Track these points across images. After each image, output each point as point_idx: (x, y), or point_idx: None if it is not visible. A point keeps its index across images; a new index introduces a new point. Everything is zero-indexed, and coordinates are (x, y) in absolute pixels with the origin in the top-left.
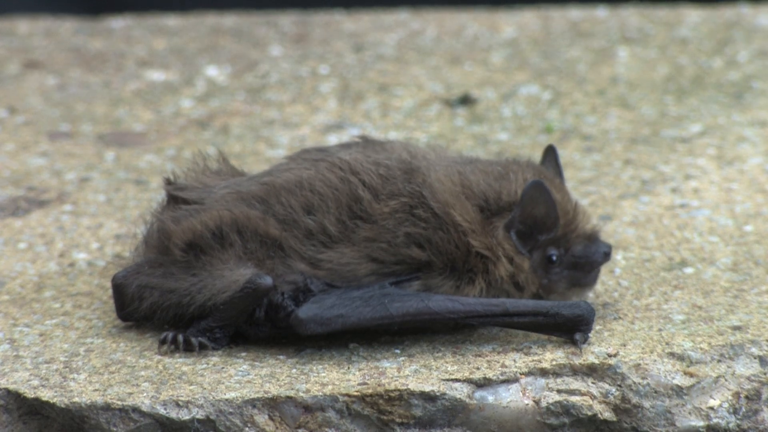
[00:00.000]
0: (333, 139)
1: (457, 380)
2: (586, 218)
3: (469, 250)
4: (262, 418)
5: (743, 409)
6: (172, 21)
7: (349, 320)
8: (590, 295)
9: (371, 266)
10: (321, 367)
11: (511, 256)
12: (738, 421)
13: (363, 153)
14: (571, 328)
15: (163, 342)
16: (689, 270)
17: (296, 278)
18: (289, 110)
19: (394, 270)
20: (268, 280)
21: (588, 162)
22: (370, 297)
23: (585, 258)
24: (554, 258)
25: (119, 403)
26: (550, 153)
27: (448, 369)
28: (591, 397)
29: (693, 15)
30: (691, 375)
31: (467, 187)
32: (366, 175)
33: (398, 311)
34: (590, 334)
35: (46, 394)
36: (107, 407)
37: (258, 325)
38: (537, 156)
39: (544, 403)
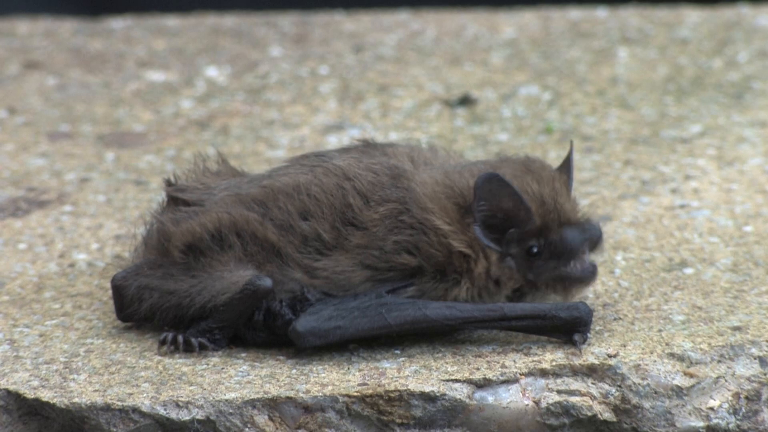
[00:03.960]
0: (333, 140)
1: (457, 381)
2: (571, 206)
3: (451, 251)
4: (262, 419)
5: (743, 410)
6: (172, 21)
7: (348, 332)
8: (590, 296)
9: (365, 273)
10: (321, 367)
11: (484, 251)
12: (738, 422)
13: (358, 158)
14: (570, 330)
15: (162, 342)
16: (689, 270)
17: (294, 287)
18: (289, 111)
19: (388, 276)
20: (267, 282)
21: (588, 162)
22: (367, 307)
23: (562, 245)
24: (535, 250)
25: (119, 403)
26: (571, 149)
27: (448, 369)
28: (591, 398)
29: (693, 15)
30: (691, 375)
31: (449, 187)
32: (358, 181)
33: (396, 321)
34: (590, 335)
35: (46, 395)
36: (107, 408)
37: (256, 329)
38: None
39: (544, 404)
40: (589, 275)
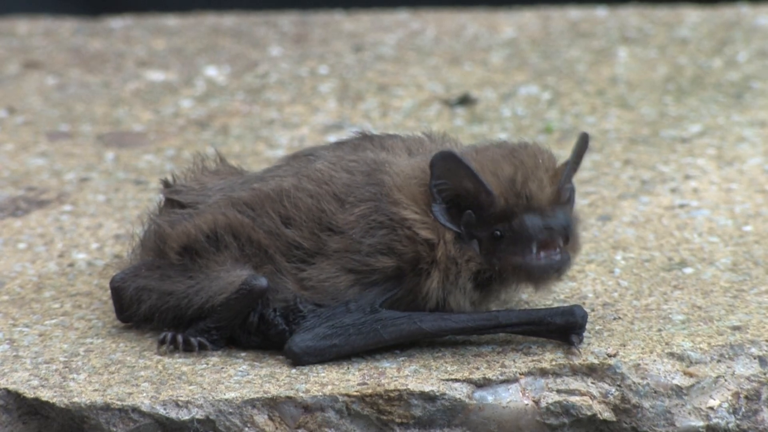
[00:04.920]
0: (332, 140)
1: (456, 380)
2: (546, 194)
3: (417, 241)
4: (261, 418)
5: (743, 409)
6: (171, 21)
7: (344, 350)
8: (589, 296)
9: (350, 278)
10: (320, 367)
11: (445, 233)
12: (738, 422)
13: (341, 157)
14: (566, 333)
15: (162, 342)
16: (689, 270)
17: (287, 296)
18: (289, 110)
19: (374, 279)
20: (262, 282)
21: (587, 162)
22: (362, 324)
23: (520, 230)
24: (498, 233)
25: (119, 403)
26: (580, 140)
27: (448, 369)
28: (591, 397)
29: (693, 15)
30: (691, 375)
31: (423, 171)
32: (333, 184)
33: (391, 335)
34: (588, 335)
35: (45, 394)
36: (107, 407)
37: (250, 333)
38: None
39: (543, 403)
40: (550, 266)
